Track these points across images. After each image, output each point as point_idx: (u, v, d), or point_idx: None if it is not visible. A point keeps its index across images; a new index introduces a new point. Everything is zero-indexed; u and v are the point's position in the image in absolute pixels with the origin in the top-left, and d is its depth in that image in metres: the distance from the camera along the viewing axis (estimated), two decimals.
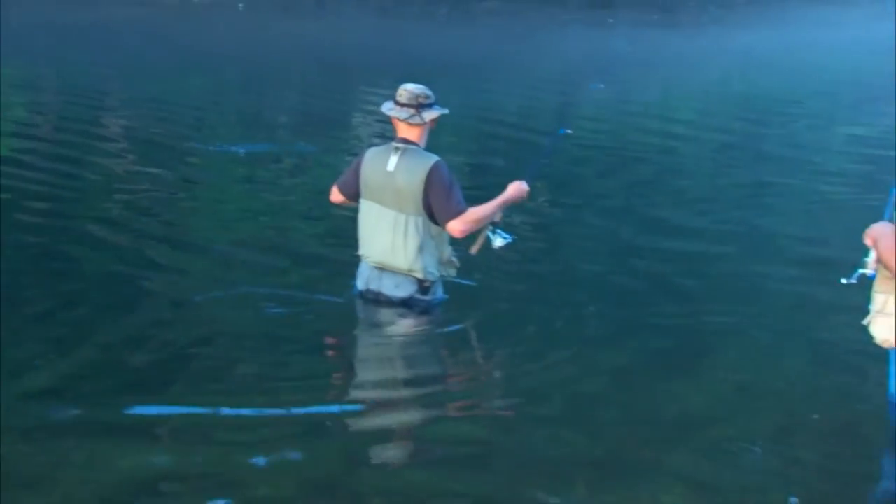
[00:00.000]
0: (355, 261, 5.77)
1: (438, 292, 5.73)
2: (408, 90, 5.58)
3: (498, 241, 5.65)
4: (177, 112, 13.46)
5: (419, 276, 5.59)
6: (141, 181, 9.32)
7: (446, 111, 5.65)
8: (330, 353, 5.57)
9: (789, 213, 8.89)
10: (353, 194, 5.71)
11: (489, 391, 5.04)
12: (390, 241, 5.56)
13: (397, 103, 5.57)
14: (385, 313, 5.66)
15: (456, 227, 5.50)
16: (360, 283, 5.77)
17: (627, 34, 24.29)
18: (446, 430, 4.59)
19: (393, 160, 5.54)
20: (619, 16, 26.98)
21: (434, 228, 5.56)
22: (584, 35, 24.88)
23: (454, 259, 5.71)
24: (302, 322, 5.82)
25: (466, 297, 5.95)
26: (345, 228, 6.27)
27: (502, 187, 5.68)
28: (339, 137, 12.16)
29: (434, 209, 5.50)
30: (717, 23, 28.57)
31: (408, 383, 5.15)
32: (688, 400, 4.88)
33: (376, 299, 5.69)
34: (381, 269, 5.66)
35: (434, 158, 5.53)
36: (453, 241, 5.65)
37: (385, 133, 10.55)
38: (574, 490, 3.97)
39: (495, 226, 5.64)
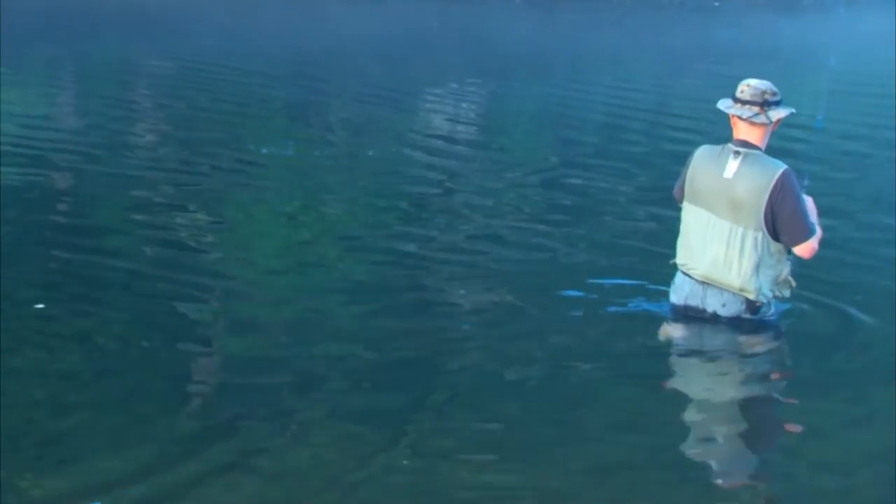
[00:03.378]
0: None
1: (771, 311, 5.39)
2: (751, 85, 5.22)
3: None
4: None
5: (751, 296, 5.27)
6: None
7: (794, 110, 5.30)
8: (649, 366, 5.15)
9: None
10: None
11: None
12: (723, 254, 5.24)
13: (737, 100, 5.22)
14: (708, 330, 5.33)
15: (807, 248, 5.18)
16: (677, 298, 5.47)
17: (737, 21, 22.07)
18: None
19: (732, 166, 5.17)
20: None
21: (774, 245, 5.21)
22: (687, 20, 22.82)
23: (791, 279, 5.33)
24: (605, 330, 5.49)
25: (801, 320, 5.62)
26: None
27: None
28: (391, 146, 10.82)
29: (781, 225, 5.16)
30: (847, 5, 25.80)
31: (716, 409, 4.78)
32: None
33: (698, 316, 5.37)
34: (706, 283, 5.33)
35: (781, 166, 5.15)
36: (791, 259, 5.29)
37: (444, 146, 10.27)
38: None
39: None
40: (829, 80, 16.34)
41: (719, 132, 10.91)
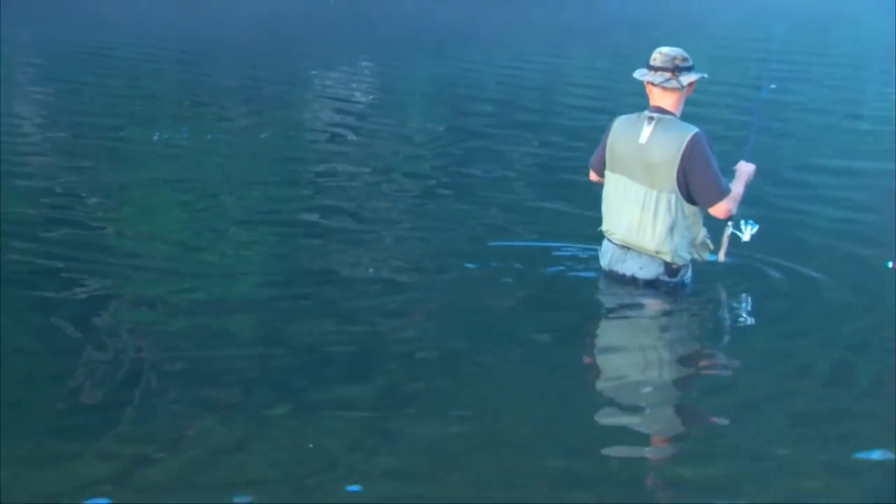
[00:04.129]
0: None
1: (688, 275, 5.53)
2: (662, 53, 5.34)
3: (748, 232, 5.41)
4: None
5: (667, 258, 5.40)
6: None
7: (705, 75, 5.39)
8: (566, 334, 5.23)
9: None
10: (602, 168, 5.57)
11: (736, 382, 4.72)
12: (637, 218, 5.36)
13: (651, 67, 5.33)
14: (627, 293, 5.46)
15: (722, 208, 5.30)
16: (604, 263, 5.62)
17: None
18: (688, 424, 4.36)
19: (646, 131, 5.30)
20: None
21: (688, 207, 5.32)
22: None
23: (708, 241, 5.45)
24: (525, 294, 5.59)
25: (720, 279, 5.67)
26: None
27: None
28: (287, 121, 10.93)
29: (693, 187, 5.26)
30: None
31: (646, 369, 4.87)
32: None
33: (620, 280, 5.52)
34: (626, 247, 5.48)
35: (692, 129, 5.26)
36: (707, 221, 5.43)
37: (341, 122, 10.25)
38: None
39: (733, 217, 5.43)
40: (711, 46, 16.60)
41: (611, 103, 11.09)
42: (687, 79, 5.24)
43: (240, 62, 15.83)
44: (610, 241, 5.48)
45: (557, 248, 6.25)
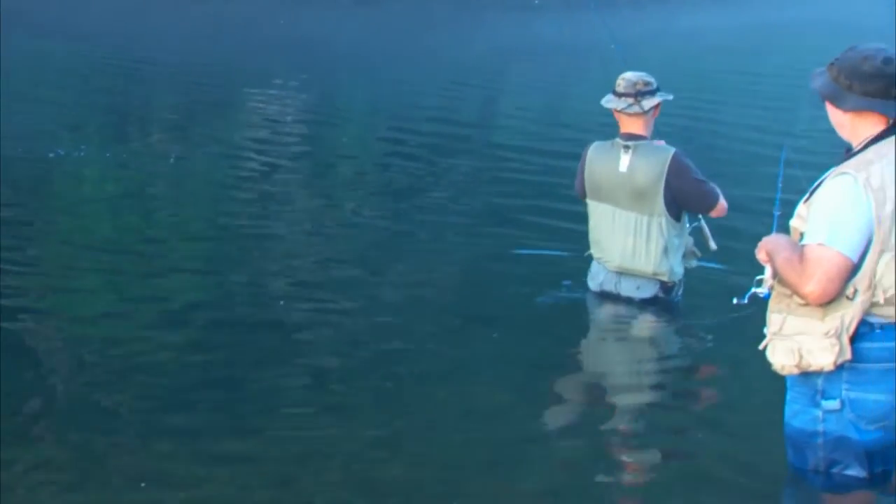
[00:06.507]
0: None
1: (681, 291, 5.66)
2: (625, 78, 5.38)
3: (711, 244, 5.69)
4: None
5: (664, 278, 5.51)
6: None
7: (670, 97, 5.43)
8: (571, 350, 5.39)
9: None
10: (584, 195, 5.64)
11: (737, 395, 4.86)
12: (631, 244, 5.42)
13: (615, 94, 5.39)
14: (623, 311, 5.52)
15: (720, 209, 5.44)
16: (594, 285, 5.67)
17: (557, 18, 22.38)
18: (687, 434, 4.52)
19: (625, 159, 5.34)
20: None
21: (677, 226, 5.44)
22: (506, 20, 23.16)
23: (696, 249, 5.62)
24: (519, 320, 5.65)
25: (711, 289, 5.83)
26: None
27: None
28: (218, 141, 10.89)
29: (689, 202, 5.40)
30: (657, 2, 26.64)
31: (642, 386, 5.03)
32: None
33: (614, 299, 5.59)
34: (621, 273, 5.54)
35: (670, 150, 5.37)
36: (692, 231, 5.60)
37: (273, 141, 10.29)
38: None
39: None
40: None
41: (542, 127, 11.16)
42: (649, 103, 5.32)
43: (171, 83, 15.65)
44: (601, 265, 5.58)
45: (540, 264, 6.40)
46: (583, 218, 5.73)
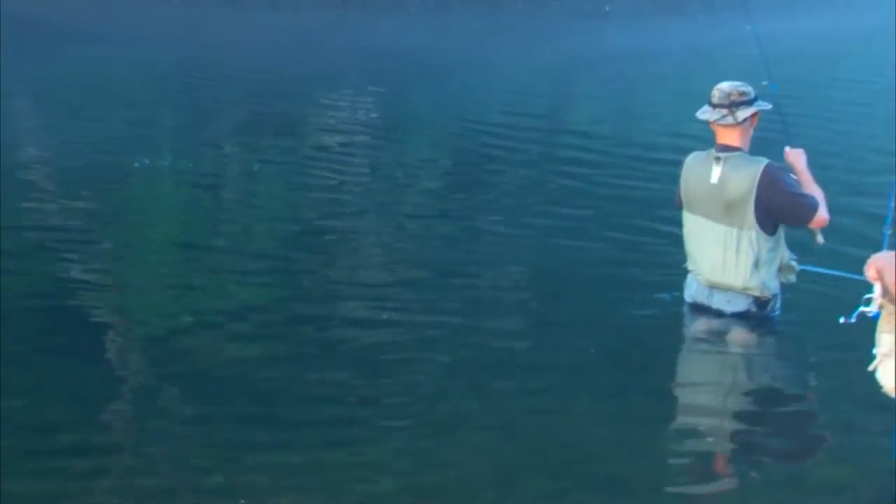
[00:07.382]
0: None
1: (778, 305, 5.52)
2: (720, 89, 5.32)
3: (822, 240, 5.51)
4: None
5: (756, 293, 5.42)
6: None
7: (768, 106, 5.35)
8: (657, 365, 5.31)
9: None
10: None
11: (841, 419, 4.70)
12: (721, 258, 5.37)
13: (710, 105, 5.34)
14: (715, 325, 5.46)
15: (819, 220, 5.30)
16: (687, 296, 5.67)
17: (628, 25, 22.33)
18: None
19: (716, 171, 5.30)
20: (617, 4, 25.23)
21: (770, 240, 5.34)
22: (577, 27, 23.47)
23: (793, 263, 5.47)
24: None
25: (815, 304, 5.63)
26: None
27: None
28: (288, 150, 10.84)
29: (784, 215, 5.31)
30: (731, 8, 26.33)
31: (729, 403, 4.91)
32: None
33: (706, 311, 5.55)
34: (712, 286, 5.50)
35: (762, 162, 5.29)
36: (790, 244, 5.48)
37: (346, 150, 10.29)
38: None
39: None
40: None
41: (622, 133, 10.98)
42: (744, 113, 5.20)
43: (243, 90, 15.76)
44: (694, 277, 5.54)
45: (631, 279, 6.28)
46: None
